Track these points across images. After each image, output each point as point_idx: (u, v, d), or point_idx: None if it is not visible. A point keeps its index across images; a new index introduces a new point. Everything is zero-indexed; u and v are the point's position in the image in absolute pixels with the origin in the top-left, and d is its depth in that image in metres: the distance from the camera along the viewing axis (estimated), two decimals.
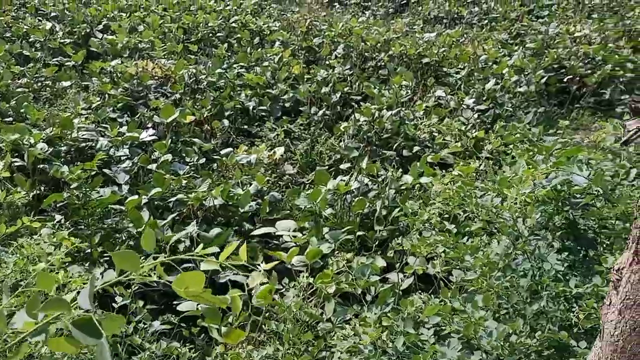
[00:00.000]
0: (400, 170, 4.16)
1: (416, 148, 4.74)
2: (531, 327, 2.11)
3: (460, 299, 2.08)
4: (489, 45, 7.04)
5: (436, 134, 4.81)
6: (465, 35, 8.01)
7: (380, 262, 2.90)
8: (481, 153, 4.05)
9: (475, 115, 5.13)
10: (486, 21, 9.14)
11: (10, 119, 4.90)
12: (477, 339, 2.01)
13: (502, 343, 1.97)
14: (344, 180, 4.06)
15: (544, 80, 5.76)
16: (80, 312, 0.73)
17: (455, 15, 9.69)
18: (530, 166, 2.69)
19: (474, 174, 3.43)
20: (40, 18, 7.93)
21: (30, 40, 7.00)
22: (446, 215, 2.81)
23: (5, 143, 4.18)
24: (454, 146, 3.95)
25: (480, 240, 2.51)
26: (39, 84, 5.78)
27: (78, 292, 2.38)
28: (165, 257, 0.84)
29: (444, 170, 4.01)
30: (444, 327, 2.12)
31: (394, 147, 4.88)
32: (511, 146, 3.18)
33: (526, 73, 5.98)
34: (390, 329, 2.10)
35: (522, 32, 7.87)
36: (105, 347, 0.70)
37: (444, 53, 6.79)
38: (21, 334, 0.73)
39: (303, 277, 2.53)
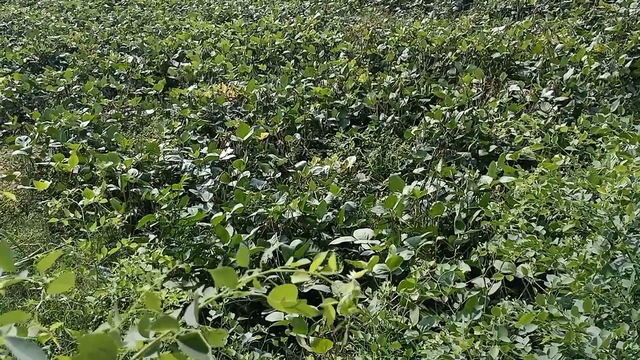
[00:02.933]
0: (478, 171, 4.08)
1: (493, 147, 4.62)
2: (639, 332, 1.99)
3: (558, 305, 2.00)
4: (564, 33, 6.72)
5: (513, 131, 4.65)
6: (536, 26, 7.70)
7: (465, 268, 2.85)
8: (565, 147, 3.87)
9: (555, 108, 4.92)
10: (558, 8, 8.73)
11: (103, 147, 5.32)
12: (580, 347, 1.92)
13: (607, 350, 1.87)
14: (419, 185, 4.03)
15: (628, 64, 5.41)
16: (185, 329, 0.80)
17: (524, 6, 9.34)
18: (624, 158, 2.55)
19: (560, 171, 3.29)
20: (122, 53, 8.56)
21: (115, 74, 7.56)
22: (533, 217, 2.72)
23: (101, 171, 4.55)
24: (536, 143, 3.80)
25: (572, 240, 2.40)
26: (126, 113, 6.23)
27: (176, 307, 2.53)
28: (259, 272, 0.91)
29: (525, 169, 3.89)
30: (540, 335, 2.05)
31: (469, 148, 4.78)
32: (600, 139, 3.02)
33: (607, 58, 5.65)
34: (483, 338, 2.06)
35: (599, 15, 7.45)
36: None
37: (515, 46, 6.57)
38: (134, 353, 0.81)
39: (386, 285, 2.55)
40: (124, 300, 2.83)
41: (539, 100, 5.09)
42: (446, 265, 2.59)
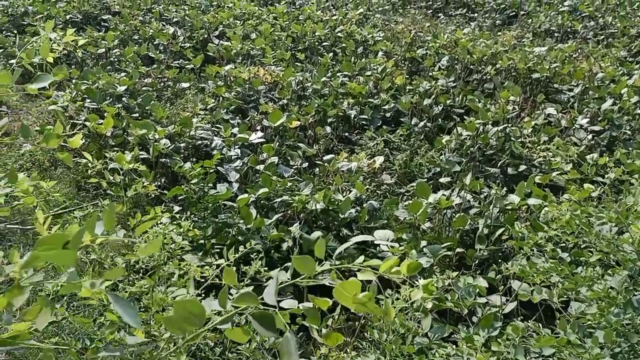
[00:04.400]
0: (505, 189, 4.07)
1: (522, 167, 4.61)
2: None
3: (578, 332, 2.02)
4: (606, 63, 6.65)
5: (545, 154, 4.64)
6: (579, 51, 7.62)
7: (483, 283, 2.87)
8: (596, 177, 3.86)
9: (589, 136, 4.88)
10: (602, 37, 8.62)
11: (137, 114, 5.39)
12: None
13: None
14: (445, 195, 4.04)
15: None
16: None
17: (569, 30, 9.24)
18: None
19: (591, 201, 3.28)
20: (164, 23, 8.62)
21: (155, 43, 7.62)
22: (561, 244, 2.73)
23: (134, 137, 4.62)
24: (572, 171, 3.79)
25: (594, 271, 2.41)
26: (162, 84, 6.29)
27: (198, 281, 2.55)
28: (331, 265, 0.94)
29: (553, 194, 3.88)
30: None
31: (499, 165, 4.77)
32: (636, 176, 3.01)
33: None
34: (499, 354, 2.09)
35: None
36: (291, 340, 0.81)
37: (556, 69, 6.52)
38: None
39: (406, 289, 2.58)
40: (148, 266, 2.89)
41: (574, 127, 5.06)
42: (469, 279, 2.61)
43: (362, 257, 0.99)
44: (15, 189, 1.56)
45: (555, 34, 9.28)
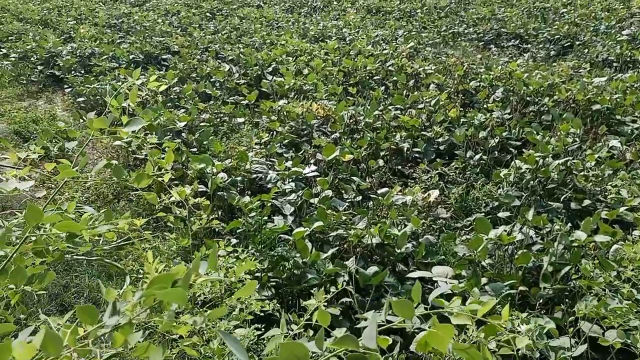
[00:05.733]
0: (569, 224, 3.91)
1: (587, 202, 4.42)
2: None
3: None
4: None
5: (611, 188, 4.43)
6: None
7: (551, 324, 2.73)
8: None
9: None
10: None
11: (195, 149, 5.57)
12: None
13: None
14: (507, 230, 3.91)
15: None
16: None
17: (628, 59, 8.95)
18: None
19: None
20: (220, 61, 8.97)
21: (212, 80, 7.92)
22: (638, 285, 2.58)
23: (193, 171, 4.76)
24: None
25: None
26: (218, 119, 6.49)
27: (257, 315, 2.54)
28: (425, 309, 0.92)
29: (623, 230, 3.70)
30: None
31: (561, 199, 4.60)
32: None
33: None
34: None
35: None
36: None
37: (618, 99, 6.29)
38: None
39: (472, 330, 2.48)
40: (207, 298, 2.93)
41: (639, 160, 4.84)
42: (540, 320, 2.49)
43: (458, 301, 0.96)
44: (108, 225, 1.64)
45: (614, 64, 9.01)
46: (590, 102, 6.25)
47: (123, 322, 0.83)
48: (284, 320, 1.46)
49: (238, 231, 3.92)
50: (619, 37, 10.33)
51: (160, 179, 1.78)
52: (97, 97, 6.84)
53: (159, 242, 4.06)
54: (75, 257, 4.09)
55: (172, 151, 4.99)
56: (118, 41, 9.90)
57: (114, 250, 4.15)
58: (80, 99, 6.80)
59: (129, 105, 1.77)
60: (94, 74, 7.76)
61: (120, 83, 7.06)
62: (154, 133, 5.27)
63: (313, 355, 0.87)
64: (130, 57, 8.79)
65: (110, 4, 14.80)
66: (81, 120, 6.80)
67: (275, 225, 3.82)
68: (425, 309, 0.92)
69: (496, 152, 5.78)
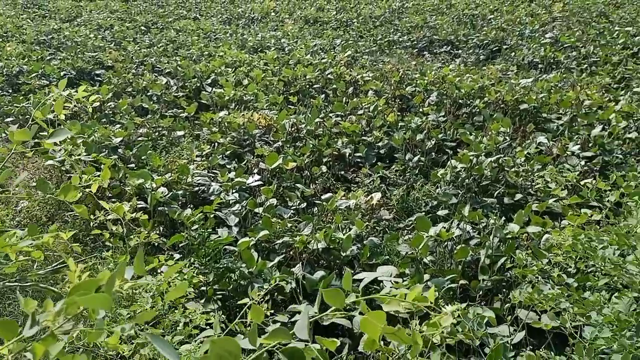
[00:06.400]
0: (503, 218, 4.10)
1: (518, 196, 4.64)
2: None
3: (594, 358, 2.00)
4: (592, 90, 6.81)
5: (541, 181, 4.68)
6: (564, 81, 7.81)
7: (490, 314, 2.85)
8: (593, 202, 3.90)
9: (582, 163, 4.95)
10: (586, 66, 8.86)
11: (133, 165, 5.43)
12: None
13: None
14: (445, 227, 4.05)
15: None
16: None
17: (552, 61, 9.49)
18: None
19: (594, 225, 3.31)
20: (156, 74, 8.80)
21: (149, 94, 7.76)
22: (568, 269, 2.73)
23: (131, 187, 4.64)
24: (573, 197, 3.82)
25: (600, 295, 2.41)
26: (157, 133, 6.36)
27: (203, 329, 2.53)
28: (357, 297, 0.95)
29: (552, 220, 3.91)
30: None
31: (495, 195, 4.81)
32: (636, 198, 3.05)
33: (635, 118, 5.71)
34: None
35: (627, 76, 7.54)
36: None
37: (543, 99, 6.66)
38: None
39: (415, 324, 2.56)
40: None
41: (566, 154, 5.14)
42: (478, 309, 2.60)
43: (387, 288, 1.00)
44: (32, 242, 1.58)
45: (539, 66, 9.53)
46: (518, 102, 6.58)
47: (46, 334, 0.81)
48: (217, 320, 1.46)
49: (181, 245, 3.85)
50: (543, 40, 10.94)
51: (87, 190, 1.73)
52: (27, 116, 6.55)
53: (97, 262, 3.92)
54: (7, 284, 3.89)
55: (109, 168, 4.84)
56: (48, 58, 9.52)
57: (49, 274, 3.98)
58: (9, 119, 6.49)
59: (56, 117, 1.72)
60: (23, 92, 7.43)
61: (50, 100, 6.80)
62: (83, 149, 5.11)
63: (247, 351, 0.88)
64: (62, 73, 8.47)
65: (38, 20, 14.23)
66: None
67: (219, 237, 3.79)
68: (357, 297, 0.95)
69: (433, 153, 5.98)
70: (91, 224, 3.19)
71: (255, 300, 1.97)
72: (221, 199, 4.65)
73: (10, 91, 7.72)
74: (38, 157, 5.87)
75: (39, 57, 9.45)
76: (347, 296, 0.94)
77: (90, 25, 13.58)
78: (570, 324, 2.37)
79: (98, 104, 6.92)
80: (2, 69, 8.36)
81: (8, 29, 12.27)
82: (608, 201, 3.43)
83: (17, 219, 4.65)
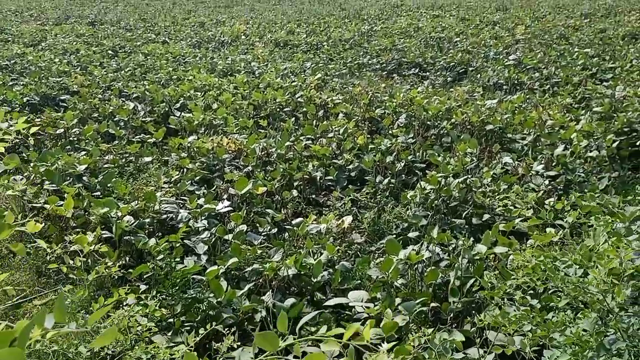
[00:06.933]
0: (472, 239, 4.13)
1: (486, 216, 4.70)
2: None
3: None
4: (554, 111, 7.01)
5: (506, 202, 4.76)
6: (527, 101, 8.02)
7: (459, 337, 2.85)
8: (556, 221, 3.97)
9: (546, 182, 5.06)
10: (548, 86, 9.13)
11: (98, 193, 5.31)
12: None
13: None
14: (415, 250, 4.06)
15: (615, 144, 5.64)
16: None
17: (516, 82, 9.75)
18: (613, 237, 2.63)
19: (554, 245, 3.36)
20: (123, 99, 8.68)
21: (116, 119, 7.64)
22: (530, 290, 2.76)
23: (95, 216, 4.52)
24: (532, 218, 3.89)
25: (565, 315, 2.44)
26: (124, 160, 6.25)
27: None
28: (294, 339, 0.93)
29: (518, 240, 3.96)
30: None
31: (463, 215, 4.86)
32: (592, 218, 3.12)
33: (596, 137, 5.88)
34: None
35: (587, 96, 7.80)
36: None
37: (508, 119, 6.82)
38: None
39: (382, 351, 2.53)
40: (115, 351, 2.76)
41: (531, 174, 5.24)
42: (444, 334, 2.59)
43: (324, 328, 0.97)
44: None
45: (504, 87, 9.77)
46: (484, 123, 6.71)
47: None
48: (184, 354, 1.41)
49: (147, 276, 3.76)
50: (507, 62, 11.26)
51: (23, 227, 1.65)
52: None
53: (61, 295, 3.79)
54: None
55: (72, 197, 4.72)
56: (10, 84, 9.30)
57: (9, 309, 3.82)
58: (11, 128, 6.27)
59: None
60: None
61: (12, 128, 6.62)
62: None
63: None
64: (25, 99, 8.28)
65: (1, 45, 13.96)
66: None
67: (185, 267, 3.71)
68: (294, 339, 0.92)
69: (403, 175, 6.03)
70: (48, 257, 3.07)
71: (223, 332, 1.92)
72: (189, 226, 4.57)
73: None
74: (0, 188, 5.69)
75: (1, 82, 9.23)
76: (283, 338, 0.91)
77: (55, 49, 13.38)
78: (530, 348, 2.38)
79: (62, 130, 6.78)
80: None
81: None
82: (566, 222, 3.49)
83: None
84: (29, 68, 10.70)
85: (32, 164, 5.42)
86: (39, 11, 26.74)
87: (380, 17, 23.62)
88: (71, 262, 2.96)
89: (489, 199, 4.89)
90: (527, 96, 8.40)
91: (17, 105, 8.05)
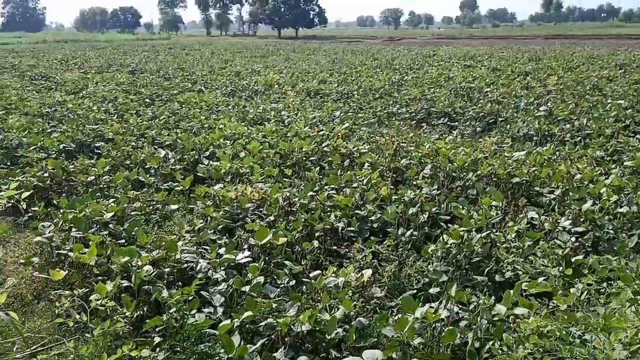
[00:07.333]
0: (493, 297, 4.00)
1: (509, 273, 4.56)
2: None
3: None
4: (584, 164, 6.85)
5: (532, 258, 4.61)
6: (557, 154, 7.88)
7: None
8: (582, 281, 3.81)
9: (573, 238, 4.89)
10: (579, 138, 8.97)
11: (123, 240, 5.41)
12: None
13: None
14: (433, 307, 3.95)
15: None
16: None
17: (546, 133, 9.63)
18: (634, 304, 2.50)
19: (576, 306, 3.22)
20: (156, 147, 8.96)
21: (147, 167, 7.86)
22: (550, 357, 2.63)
23: (116, 265, 4.60)
24: (552, 276, 3.76)
25: None
26: (151, 207, 6.38)
27: None
28: None
29: (541, 299, 3.82)
30: None
31: (485, 272, 4.72)
32: (612, 282, 2.99)
33: (626, 192, 5.69)
34: None
35: (619, 149, 7.61)
36: None
37: (535, 172, 6.70)
38: None
39: None
40: None
41: (557, 229, 5.09)
42: None
43: None
44: None
45: (534, 138, 9.66)
46: (510, 176, 6.61)
47: None
48: None
49: (158, 329, 3.76)
50: (537, 113, 11.17)
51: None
52: (22, 190, 6.61)
53: (79, 344, 3.82)
54: None
55: (96, 245, 4.82)
56: (49, 130, 9.75)
57: (27, 358, 3.86)
58: (2, 193, 6.54)
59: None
60: (20, 165, 7.55)
61: (46, 174, 6.89)
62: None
63: None
64: (61, 146, 8.65)
65: (44, 92, 14.72)
66: None
67: (196, 320, 3.70)
68: None
69: (426, 228, 5.94)
70: (56, 310, 3.11)
71: None
72: (208, 277, 4.58)
73: (9, 164, 7.85)
74: (30, 232, 5.88)
75: (40, 129, 9.69)
76: None
77: (94, 97, 14.02)
78: None
79: (93, 177, 7.01)
80: (2, 142, 8.54)
81: (12, 101, 12.67)
82: (592, 282, 3.35)
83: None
84: (68, 115, 11.21)
85: (61, 211, 5.60)
86: (83, 60, 28.23)
87: (412, 67, 23.99)
88: (77, 316, 2.99)
89: (512, 255, 4.75)
90: (557, 148, 8.26)
91: (54, 152, 8.39)
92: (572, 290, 3.70)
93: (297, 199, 6.44)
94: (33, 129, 9.69)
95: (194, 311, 3.97)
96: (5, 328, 3.98)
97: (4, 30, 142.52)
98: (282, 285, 4.77)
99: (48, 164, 7.25)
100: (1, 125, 9.96)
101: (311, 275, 4.87)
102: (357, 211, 6.32)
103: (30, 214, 6.20)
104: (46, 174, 6.94)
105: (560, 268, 4.15)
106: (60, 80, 18.25)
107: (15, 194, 1.97)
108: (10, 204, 5.78)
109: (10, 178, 6.74)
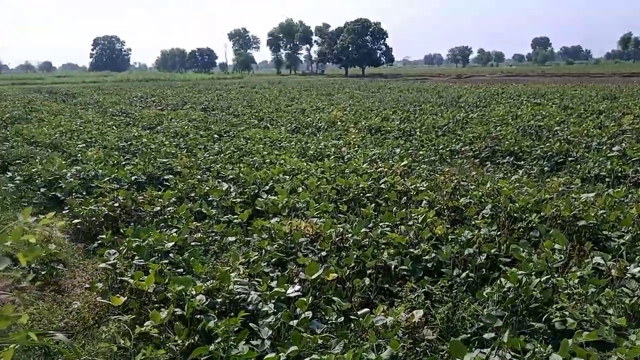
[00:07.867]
0: (550, 346, 3.78)
1: (570, 321, 4.29)
2: None
3: None
4: None
5: (595, 307, 4.33)
6: (629, 196, 7.43)
7: None
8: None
9: None
10: None
11: (181, 270, 5.61)
12: None
13: None
14: (484, 353, 3.78)
15: None
16: None
17: (619, 174, 9.12)
18: None
19: None
20: (219, 180, 9.31)
21: (209, 199, 8.17)
22: None
23: (172, 293, 4.77)
24: (592, 333, 3.50)
25: None
26: (210, 238, 6.60)
27: None
28: None
29: (602, 350, 3.57)
30: None
31: (544, 319, 4.47)
32: None
33: None
34: None
35: None
36: None
37: (604, 215, 6.33)
38: None
39: None
40: None
41: (625, 277, 4.76)
42: None
43: None
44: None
45: (606, 179, 9.17)
46: (576, 218, 6.29)
47: None
48: None
49: (203, 358, 3.83)
50: (610, 153, 10.61)
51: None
52: (93, 218, 7.06)
53: None
54: None
55: (155, 273, 5.02)
56: (123, 163, 10.39)
57: None
58: (76, 221, 7.01)
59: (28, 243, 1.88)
60: (94, 195, 8.07)
61: (116, 204, 7.31)
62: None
63: None
64: (133, 178, 9.17)
65: (122, 127, 15.75)
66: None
67: (240, 352, 3.74)
68: None
69: (484, 270, 5.73)
70: (104, 335, 3.26)
71: None
72: (258, 309, 4.64)
73: (84, 193, 8.41)
74: (97, 259, 6.23)
75: (115, 162, 10.34)
76: None
77: (168, 132, 14.82)
78: None
79: (159, 208, 7.36)
80: (80, 172, 9.20)
81: (93, 135, 13.65)
82: None
83: (65, 320, 4.86)
84: (142, 149, 11.92)
85: (126, 239, 5.91)
86: (161, 97, 30.04)
87: (478, 104, 23.61)
88: (121, 341, 3.12)
89: (574, 302, 4.48)
90: (629, 190, 7.78)
91: (126, 183, 8.92)
92: (638, 342, 3.44)
93: (350, 235, 6.44)
94: (109, 161, 10.37)
95: (242, 342, 4.03)
96: (66, 350, 4.20)
97: (93, 69, 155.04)
98: (330, 321, 4.75)
99: (119, 194, 7.70)
100: (80, 157, 10.73)
101: (360, 313, 4.82)
102: (411, 249, 6.22)
103: (99, 242, 6.58)
104: (116, 204, 7.36)
105: (625, 318, 3.86)
106: (139, 116, 19.48)
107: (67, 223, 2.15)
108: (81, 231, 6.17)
109: (82, 207, 7.22)
